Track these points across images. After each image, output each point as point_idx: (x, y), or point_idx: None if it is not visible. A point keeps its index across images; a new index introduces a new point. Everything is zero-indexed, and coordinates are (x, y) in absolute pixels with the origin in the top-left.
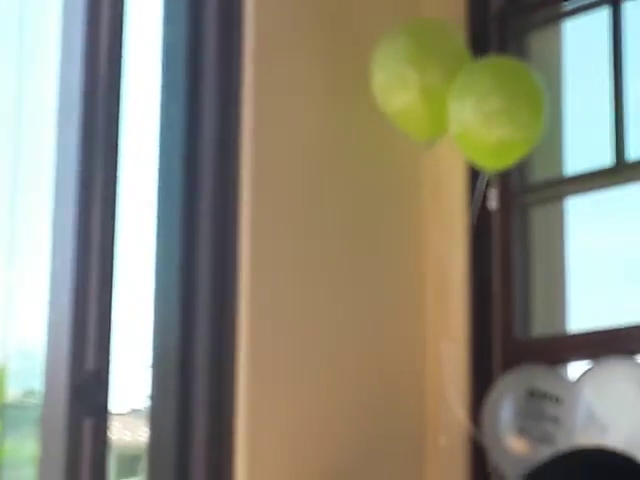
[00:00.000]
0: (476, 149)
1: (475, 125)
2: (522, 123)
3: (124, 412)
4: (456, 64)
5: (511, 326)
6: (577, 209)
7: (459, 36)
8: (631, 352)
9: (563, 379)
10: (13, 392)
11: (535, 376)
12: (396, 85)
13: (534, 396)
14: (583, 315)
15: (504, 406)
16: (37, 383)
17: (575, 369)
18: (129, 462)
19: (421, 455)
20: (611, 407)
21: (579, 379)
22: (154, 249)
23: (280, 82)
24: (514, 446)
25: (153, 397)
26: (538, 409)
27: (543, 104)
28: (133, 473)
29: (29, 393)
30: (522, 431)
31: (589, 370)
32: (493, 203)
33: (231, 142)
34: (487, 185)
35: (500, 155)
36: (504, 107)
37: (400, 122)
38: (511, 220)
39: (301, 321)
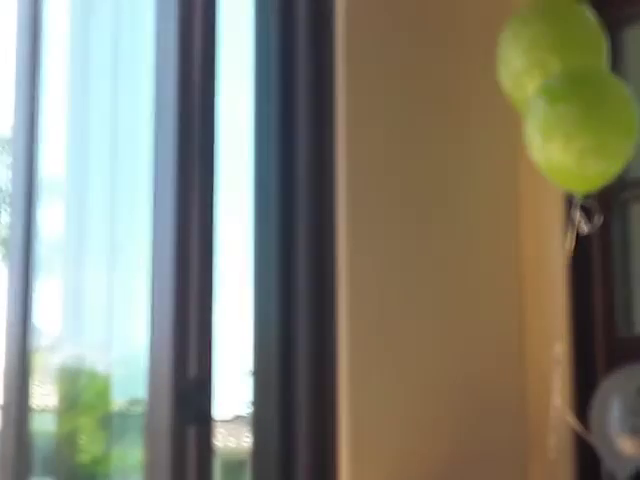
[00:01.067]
0: (560, 177)
1: (556, 157)
2: (612, 157)
3: (228, 418)
4: (596, 48)
5: (613, 325)
6: None
7: (591, 15)
8: None
9: None
10: (118, 401)
11: None
12: (536, 72)
13: None
14: None
15: (613, 405)
16: (142, 391)
17: None
18: (234, 468)
19: (526, 457)
20: None
21: None
22: (252, 256)
23: (376, 80)
24: (626, 446)
25: (255, 403)
26: None
27: (632, 136)
28: (238, 479)
29: (134, 401)
30: (634, 430)
31: None
32: (585, 227)
33: (326, 148)
34: (579, 209)
35: (588, 184)
36: (592, 145)
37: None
38: (610, 217)
39: (401, 323)
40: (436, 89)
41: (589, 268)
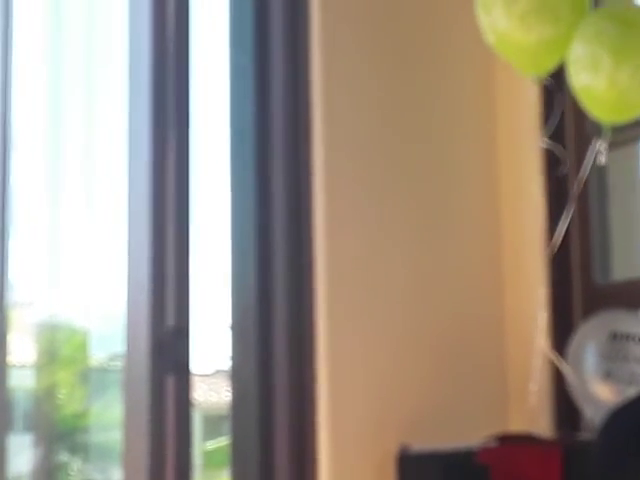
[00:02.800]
0: (596, 102)
1: (599, 84)
2: None
3: (209, 373)
4: None
5: (590, 272)
6: None
7: None
8: None
9: None
10: (97, 356)
11: (616, 319)
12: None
13: (617, 338)
14: None
15: (587, 351)
16: (121, 347)
17: None
18: (216, 423)
19: (506, 403)
20: None
21: None
22: (230, 208)
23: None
24: (600, 391)
25: (234, 357)
26: (622, 351)
27: None
28: (220, 434)
29: (113, 357)
30: (608, 375)
31: None
32: (603, 158)
33: (301, 90)
34: (603, 139)
35: (621, 111)
36: None
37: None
38: (587, 163)
39: (379, 267)
40: (414, 22)
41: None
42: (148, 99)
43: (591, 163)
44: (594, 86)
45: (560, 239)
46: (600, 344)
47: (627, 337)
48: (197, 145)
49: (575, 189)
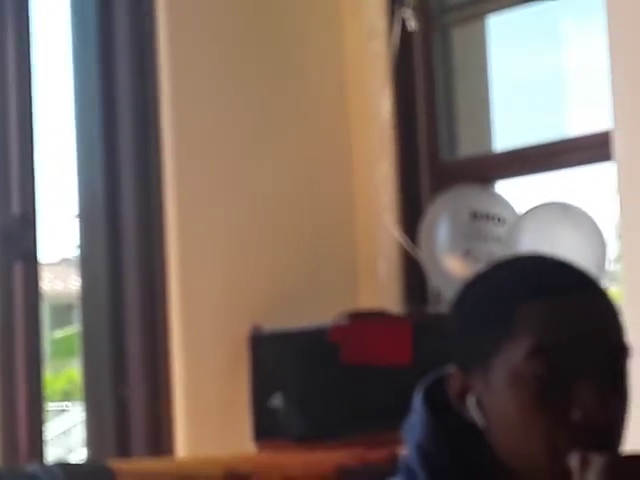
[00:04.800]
0: None
1: None
2: None
3: (55, 262)
4: None
5: (437, 148)
6: (498, 27)
7: None
8: (557, 166)
9: (501, 199)
10: None
11: (472, 196)
12: None
13: (477, 217)
14: (507, 133)
15: (442, 227)
16: None
17: (502, 187)
18: (63, 311)
19: (355, 278)
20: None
21: (522, 216)
22: (74, 103)
23: None
24: (455, 267)
25: (82, 246)
26: (482, 231)
27: None
28: (68, 322)
29: None
30: (467, 253)
31: (529, 211)
32: (412, 24)
33: None
34: (406, 5)
35: None
36: None
37: None
38: (432, 42)
39: (228, 149)
40: None
41: (412, 94)
42: None
43: (400, 31)
44: None
45: (394, 114)
46: (459, 222)
47: (487, 217)
48: (38, 24)
49: (390, 54)
